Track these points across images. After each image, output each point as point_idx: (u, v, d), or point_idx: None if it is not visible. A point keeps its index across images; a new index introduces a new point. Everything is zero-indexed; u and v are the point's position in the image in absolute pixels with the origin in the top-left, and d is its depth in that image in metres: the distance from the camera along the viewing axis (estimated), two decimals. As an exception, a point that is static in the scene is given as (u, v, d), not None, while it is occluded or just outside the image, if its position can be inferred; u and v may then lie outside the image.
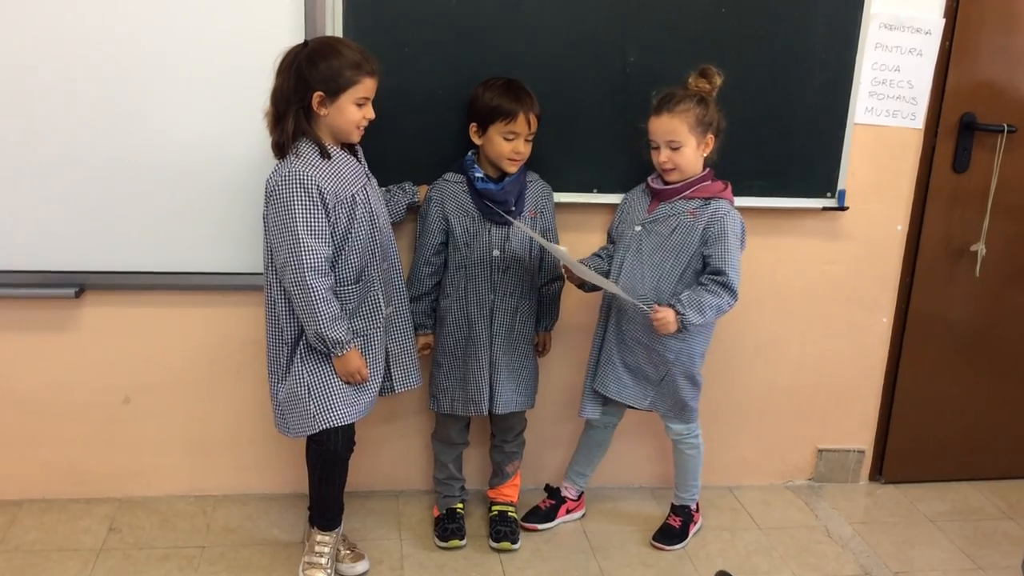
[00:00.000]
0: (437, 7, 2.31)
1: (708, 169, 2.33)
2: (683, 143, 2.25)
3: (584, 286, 2.42)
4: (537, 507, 2.66)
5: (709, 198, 2.29)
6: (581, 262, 2.35)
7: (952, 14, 2.60)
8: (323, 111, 2.03)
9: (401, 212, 2.39)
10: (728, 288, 2.26)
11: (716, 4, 2.43)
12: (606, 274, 2.39)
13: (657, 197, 2.36)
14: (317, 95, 2.00)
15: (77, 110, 2.25)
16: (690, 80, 2.27)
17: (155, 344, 2.50)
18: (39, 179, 2.29)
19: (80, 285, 2.38)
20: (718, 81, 2.26)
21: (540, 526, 2.63)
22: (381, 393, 2.27)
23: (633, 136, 2.39)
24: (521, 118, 2.24)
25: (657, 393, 2.42)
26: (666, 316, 2.22)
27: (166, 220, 2.36)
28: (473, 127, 2.29)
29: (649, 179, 2.39)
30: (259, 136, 2.12)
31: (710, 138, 2.28)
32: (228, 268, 2.41)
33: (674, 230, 2.31)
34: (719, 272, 2.26)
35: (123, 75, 2.24)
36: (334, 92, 2.01)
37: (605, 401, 2.49)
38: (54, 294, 2.38)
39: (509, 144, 2.27)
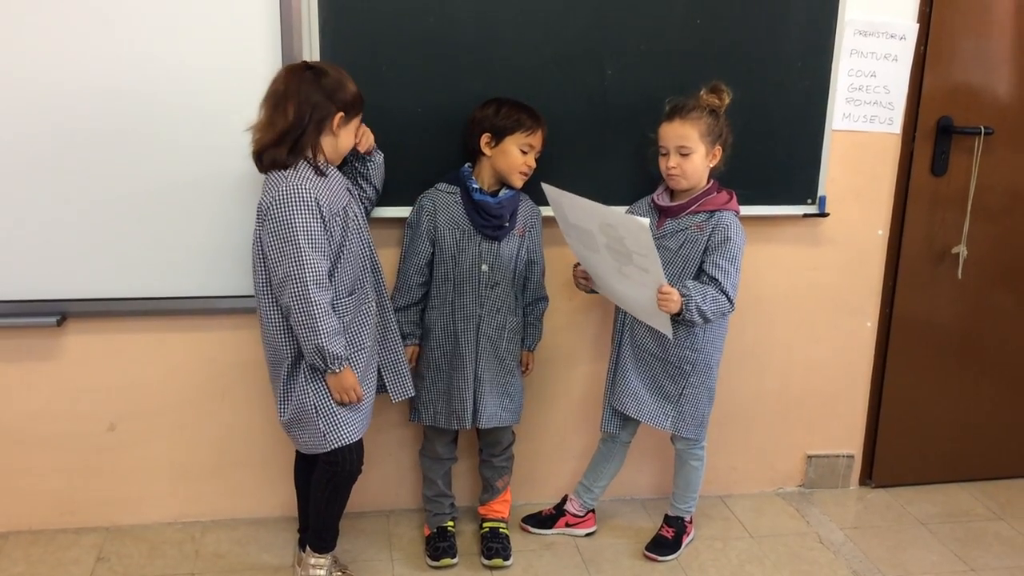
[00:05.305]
0: (414, 26, 2.31)
1: (713, 181, 2.35)
2: (693, 150, 2.26)
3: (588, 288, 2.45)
4: (540, 512, 2.69)
5: (714, 211, 2.31)
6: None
7: (926, 19, 2.62)
8: (340, 132, 2.07)
9: (381, 176, 2.31)
10: (724, 294, 2.26)
11: (691, 16, 2.44)
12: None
13: (665, 214, 2.37)
14: (339, 116, 2.04)
15: (55, 137, 2.24)
16: (702, 94, 2.30)
17: (139, 370, 2.49)
18: (17, 208, 2.27)
19: (62, 313, 2.37)
20: (727, 99, 2.29)
21: (532, 529, 2.65)
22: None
23: (628, 144, 2.43)
24: (540, 132, 2.29)
25: (677, 412, 2.43)
26: (674, 294, 2.17)
27: (146, 246, 2.35)
28: (486, 137, 2.28)
29: (655, 196, 2.40)
30: (238, 160, 2.11)
31: (718, 149, 2.30)
32: (210, 292, 2.40)
33: (682, 245, 2.33)
34: (714, 279, 2.26)
35: (102, 103, 2.24)
36: (351, 115, 2.08)
37: (625, 417, 2.50)
38: (36, 323, 2.36)
39: (524, 157, 2.28)
